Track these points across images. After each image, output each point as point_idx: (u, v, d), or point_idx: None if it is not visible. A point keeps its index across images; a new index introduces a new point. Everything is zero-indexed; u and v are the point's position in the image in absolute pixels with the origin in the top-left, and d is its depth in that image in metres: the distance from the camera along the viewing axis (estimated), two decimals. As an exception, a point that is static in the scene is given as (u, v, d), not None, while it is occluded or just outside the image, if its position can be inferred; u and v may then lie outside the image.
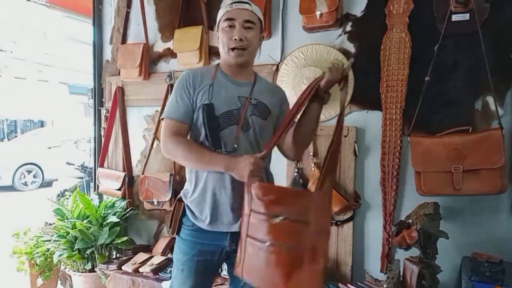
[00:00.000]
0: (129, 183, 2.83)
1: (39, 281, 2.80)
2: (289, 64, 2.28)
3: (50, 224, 2.90)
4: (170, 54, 2.73)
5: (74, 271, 2.66)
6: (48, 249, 2.69)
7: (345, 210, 2.14)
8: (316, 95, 1.34)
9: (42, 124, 13.68)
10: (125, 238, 2.65)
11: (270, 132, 1.45)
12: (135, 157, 2.90)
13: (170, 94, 2.60)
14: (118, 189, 2.82)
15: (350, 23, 2.17)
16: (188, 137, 1.43)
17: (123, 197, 2.80)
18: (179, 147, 1.36)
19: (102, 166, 2.97)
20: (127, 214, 2.76)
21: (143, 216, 2.85)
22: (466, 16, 1.86)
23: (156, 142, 2.75)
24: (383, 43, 2.05)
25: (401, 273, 1.86)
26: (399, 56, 2.01)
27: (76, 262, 2.63)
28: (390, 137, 2.06)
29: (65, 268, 2.76)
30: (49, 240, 2.66)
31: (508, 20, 1.84)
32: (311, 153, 2.21)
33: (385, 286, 1.84)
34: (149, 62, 2.79)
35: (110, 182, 2.87)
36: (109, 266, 2.50)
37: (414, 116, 1.93)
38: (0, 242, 3.44)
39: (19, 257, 2.78)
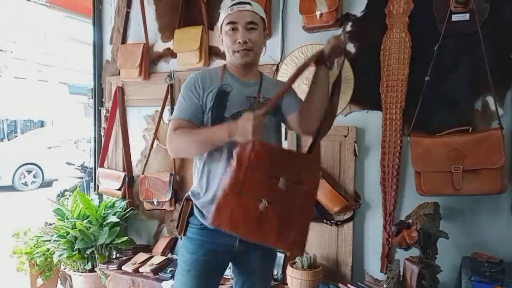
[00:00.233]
0: (129, 183, 2.83)
1: (39, 281, 2.80)
2: (289, 64, 2.27)
3: (50, 224, 2.90)
4: (170, 54, 2.73)
5: (74, 271, 2.66)
6: (48, 249, 2.69)
7: (345, 210, 2.14)
8: (321, 63, 1.37)
9: (42, 124, 13.67)
10: (125, 238, 2.65)
11: (279, 125, 1.47)
12: (135, 157, 2.90)
13: (170, 94, 2.66)
14: (118, 189, 2.82)
15: (350, 23, 2.17)
16: None
17: (123, 197, 2.80)
18: (180, 137, 1.35)
19: (102, 166, 2.97)
20: (127, 214, 2.76)
21: (143, 216, 2.85)
22: (466, 16, 1.86)
23: (156, 142, 2.75)
24: (383, 43, 2.05)
25: (401, 273, 1.86)
26: (399, 56, 2.01)
27: (76, 262, 2.63)
28: (390, 137, 2.06)
29: (65, 268, 2.76)
30: (49, 240, 2.66)
31: (508, 20, 1.84)
32: (311, 153, 2.20)
33: (385, 286, 1.84)
34: (149, 62, 2.79)
35: (110, 182, 2.87)
36: (109, 266, 2.50)
37: (414, 116, 1.93)
38: (0, 242, 3.44)
39: (19, 257, 2.78)
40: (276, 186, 1.21)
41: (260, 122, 1.25)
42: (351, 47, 2.17)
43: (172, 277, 2.29)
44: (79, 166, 4.50)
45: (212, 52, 2.55)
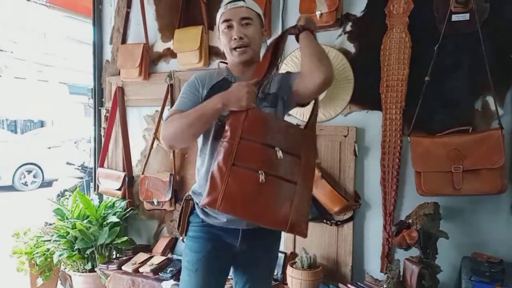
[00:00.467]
0: (129, 183, 2.83)
1: (39, 281, 2.80)
2: (289, 64, 2.28)
3: (50, 224, 2.90)
4: (170, 54, 2.73)
5: (74, 271, 2.66)
6: (48, 249, 2.69)
7: (345, 210, 2.14)
8: (299, 33, 1.41)
9: (42, 124, 13.68)
10: (125, 238, 2.65)
11: (283, 114, 1.43)
12: (135, 157, 2.90)
13: (170, 94, 2.66)
14: (118, 189, 2.82)
15: (350, 23, 2.17)
16: (200, 139, 1.39)
17: (123, 197, 2.80)
18: (173, 122, 1.28)
19: (102, 166, 2.97)
20: (127, 214, 2.76)
21: (143, 216, 2.85)
22: (466, 16, 1.86)
23: (156, 142, 2.75)
24: (383, 43, 2.05)
25: (401, 273, 1.86)
26: (399, 56, 2.01)
27: (76, 262, 2.63)
28: (390, 137, 2.06)
29: (65, 268, 2.76)
30: (49, 240, 2.66)
31: (508, 20, 1.84)
32: (311, 153, 2.20)
33: (385, 286, 1.84)
34: (149, 62, 2.79)
35: (110, 182, 2.87)
36: (109, 266, 2.50)
37: (414, 116, 1.93)
38: (0, 242, 3.44)
39: (19, 257, 2.78)
40: (273, 157, 1.18)
41: (253, 90, 1.23)
42: (351, 47, 2.17)
43: (172, 277, 2.29)
44: (79, 166, 4.50)
45: (212, 52, 2.55)
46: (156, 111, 2.75)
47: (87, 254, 2.58)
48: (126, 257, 2.58)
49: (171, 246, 2.65)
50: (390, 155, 2.06)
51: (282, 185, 1.19)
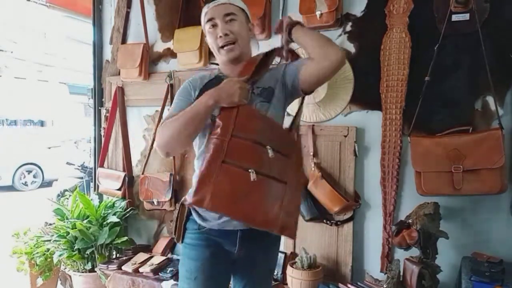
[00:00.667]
0: (129, 183, 2.83)
1: (39, 281, 2.80)
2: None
3: (50, 224, 2.90)
4: (170, 54, 2.73)
5: (74, 271, 2.66)
6: (48, 249, 2.69)
7: (345, 210, 2.14)
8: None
9: (42, 124, 13.68)
10: (125, 238, 2.65)
11: (280, 111, 1.37)
12: (135, 157, 2.90)
13: (170, 94, 2.66)
14: (118, 189, 2.82)
15: (350, 23, 2.17)
16: (196, 141, 1.36)
17: (123, 197, 2.80)
18: (167, 126, 1.24)
19: (102, 166, 2.97)
20: (127, 214, 2.76)
21: (143, 216, 2.85)
22: (466, 16, 1.86)
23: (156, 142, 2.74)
24: (383, 43, 2.05)
25: (401, 273, 1.86)
26: (399, 56, 2.01)
27: (76, 262, 2.63)
28: (390, 137, 2.06)
29: (65, 268, 2.76)
30: (49, 240, 2.66)
31: (508, 20, 1.84)
32: (311, 153, 2.21)
33: (385, 286, 1.84)
34: (149, 62, 2.79)
35: (110, 182, 2.87)
36: (109, 266, 2.50)
37: (414, 116, 1.93)
38: (0, 242, 3.44)
39: (19, 257, 2.78)
40: (264, 155, 1.15)
41: (245, 86, 1.21)
42: (351, 47, 2.17)
43: (172, 277, 2.29)
44: (79, 166, 4.51)
45: (212, 52, 2.55)
46: (156, 111, 2.75)
47: (87, 254, 2.58)
48: (126, 257, 2.58)
49: (171, 246, 2.65)
50: (390, 155, 2.06)
51: (272, 184, 1.17)
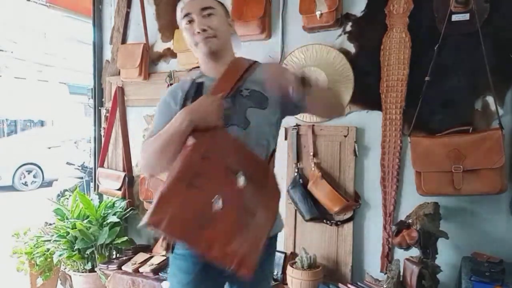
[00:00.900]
0: (129, 183, 2.83)
1: (39, 281, 2.80)
2: (289, 64, 2.27)
3: (50, 224, 2.90)
4: (170, 54, 2.73)
5: (74, 271, 2.66)
6: (48, 249, 2.69)
7: (345, 210, 2.14)
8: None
9: (42, 124, 13.68)
10: (125, 238, 2.65)
11: (274, 122, 1.29)
12: (135, 157, 2.90)
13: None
14: (118, 189, 2.82)
15: (350, 23, 2.17)
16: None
17: (123, 197, 2.80)
18: (146, 150, 1.20)
19: (102, 166, 2.97)
20: (127, 214, 2.76)
21: (143, 216, 2.84)
22: (466, 16, 1.86)
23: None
24: (383, 43, 2.05)
25: (401, 273, 1.86)
26: (399, 56, 2.01)
27: (76, 262, 2.64)
28: (390, 137, 2.06)
29: (65, 268, 2.76)
30: (49, 240, 2.66)
31: (508, 20, 1.84)
32: (311, 153, 2.21)
33: (385, 286, 1.84)
34: (149, 62, 2.79)
35: (110, 182, 2.87)
36: (109, 266, 2.50)
37: (414, 116, 1.93)
38: (0, 242, 3.44)
39: (19, 257, 2.78)
40: (234, 183, 1.07)
41: (221, 105, 1.14)
42: (351, 47, 2.17)
43: (172, 277, 2.29)
44: (79, 166, 4.50)
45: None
46: (156, 111, 2.75)
47: (87, 254, 2.58)
48: (126, 257, 2.58)
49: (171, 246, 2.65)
50: (390, 155, 2.06)
51: (238, 215, 1.06)
